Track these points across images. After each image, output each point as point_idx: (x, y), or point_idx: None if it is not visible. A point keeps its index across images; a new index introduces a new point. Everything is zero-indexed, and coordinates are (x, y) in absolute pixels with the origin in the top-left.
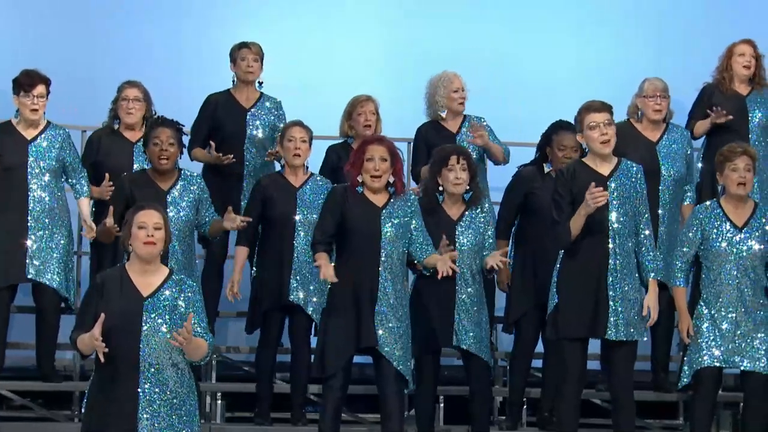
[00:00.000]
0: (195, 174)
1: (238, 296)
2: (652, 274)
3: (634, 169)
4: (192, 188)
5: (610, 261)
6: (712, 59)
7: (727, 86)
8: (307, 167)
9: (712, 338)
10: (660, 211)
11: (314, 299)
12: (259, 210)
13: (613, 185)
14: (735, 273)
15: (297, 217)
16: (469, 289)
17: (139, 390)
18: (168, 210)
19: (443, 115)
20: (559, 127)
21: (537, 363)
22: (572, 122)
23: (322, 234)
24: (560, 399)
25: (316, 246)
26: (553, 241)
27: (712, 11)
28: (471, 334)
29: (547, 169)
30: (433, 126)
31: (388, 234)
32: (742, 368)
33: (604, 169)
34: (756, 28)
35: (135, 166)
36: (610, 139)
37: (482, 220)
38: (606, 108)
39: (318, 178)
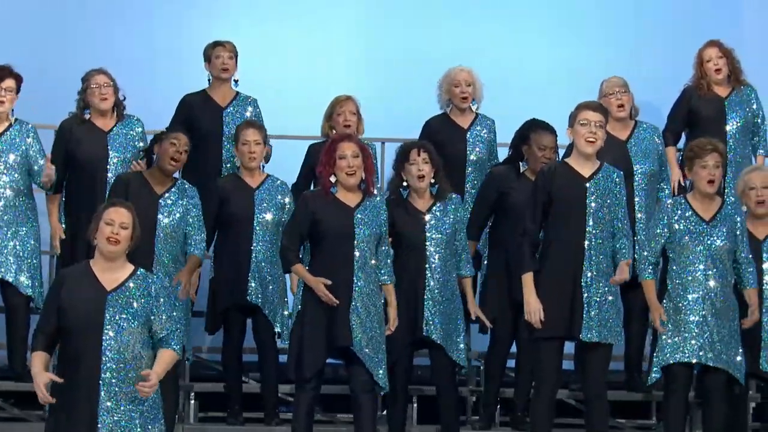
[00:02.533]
0: (191, 186)
1: (193, 297)
2: (626, 254)
3: (615, 174)
4: (185, 198)
5: (585, 263)
6: (687, 62)
7: (705, 91)
8: (263, 167)
9: (678, 334)
10: (636, 208)
11: (271, 301)
12: (216, 210)
13: (592, 188)
14: (702, 267)
15: (256, 218)
16: (440, 279)
17: (100, 383)
18: (158, 214)
19: (448, 110)
20: (536, 125)
21: (510, 363)
22: (548, 123)
23: (290, 242)
24: (537, 399)
25: (289, 254)
26: (516, 248)
27: (687, 13)
28: (440, 326)
29: (522, 168)
30: (443, 120)
31: (362, 235)
32: (704, 363)
33: (586, 171)
34: (726, 28)
35: (110, 156)
36: (596, 140)
37: (452, 212)
38: (602, 111)
39: (274, 178)
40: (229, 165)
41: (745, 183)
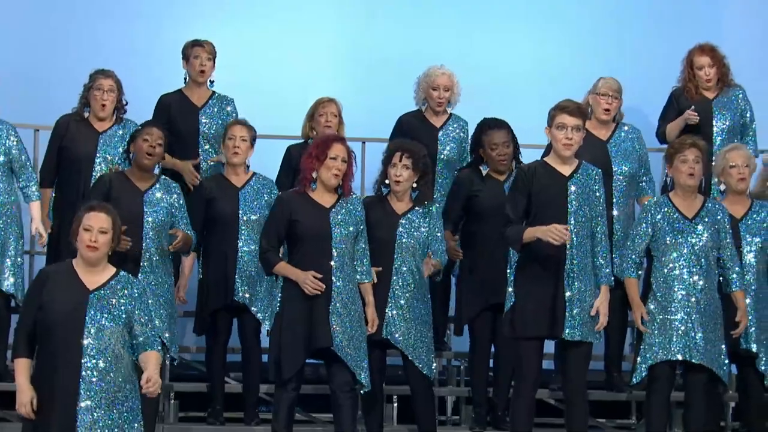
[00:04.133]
0: (174, 182)
1: (184, 301)
2: (604, 280)
3: (594, 172)
4: (169, 194)
5: (566, 261)
6: (669, 62)
7: (693, 94)
8: (248, 167)
9: (663, 333)
10: (614, 209)
11: (260, 299)
12: (204, 212)
13: (572, 187)
14: (686, 264)
15: (241, 217)
16: (405, 285)
17: (80, 383)
18: (144, 210)
19: (423, 108)
20: (485, 126)
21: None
22: (498, 119)
23: (269, 243)
24: (516, 398)
25: (269, 255)
26: (501, 238)
27: (670, 13)
28: (402, 330)
29: (484, 171)
30: (416, 117)
31: (338, 234)
32: (689, 361)
33: (565, 170)
34: (712, 31)
35: (98, 155)
36: (573, 144)
37: (426, 220)
38: (580, 114)
39: (260, 176)
40: (204, 166)
41: (726, 161)
